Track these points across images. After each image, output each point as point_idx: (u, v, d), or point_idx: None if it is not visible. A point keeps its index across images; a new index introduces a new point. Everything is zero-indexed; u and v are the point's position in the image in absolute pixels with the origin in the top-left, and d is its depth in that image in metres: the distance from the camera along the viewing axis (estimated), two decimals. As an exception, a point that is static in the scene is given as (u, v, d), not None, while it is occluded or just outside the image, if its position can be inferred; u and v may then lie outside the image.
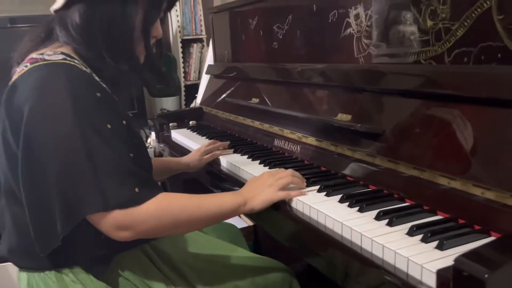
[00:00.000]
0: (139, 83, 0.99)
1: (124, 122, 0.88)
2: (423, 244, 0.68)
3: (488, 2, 0.77)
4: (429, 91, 0.86)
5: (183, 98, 2.77)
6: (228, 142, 1.37)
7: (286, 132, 1.28)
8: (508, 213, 0.67)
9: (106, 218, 0.79)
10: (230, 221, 1.42)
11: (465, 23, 0.82)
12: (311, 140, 1.17)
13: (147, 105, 2.77)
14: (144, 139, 2.69)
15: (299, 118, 1.20)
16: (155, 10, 0.92)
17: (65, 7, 0.87)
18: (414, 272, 0.63)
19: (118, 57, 0.89)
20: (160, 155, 2.15)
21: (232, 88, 1.74)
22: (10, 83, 0.87)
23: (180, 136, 1.70)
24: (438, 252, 0.65)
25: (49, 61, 0.83)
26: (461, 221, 0.74)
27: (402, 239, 0.70)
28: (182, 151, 1.59)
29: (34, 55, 0.87)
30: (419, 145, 0.86)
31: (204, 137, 1.60)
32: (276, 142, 1.32)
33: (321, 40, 1.24)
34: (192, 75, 2.79)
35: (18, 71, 0.86)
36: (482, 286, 0.49)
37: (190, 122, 1.87)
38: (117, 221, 0.80)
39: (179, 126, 1.86)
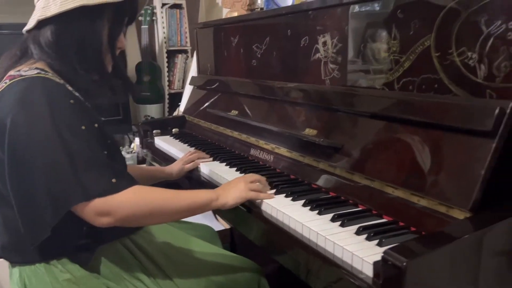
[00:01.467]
0: (108, 90, 1.08)
1: (96, 125, 0.99)
2: (367, 242, 0.81)
3: (428, 41, 0.93)
4: (380, 113, 1.00)
5: (166, 105, 2.88)
6: (208, 156, 1.48)
7: (261, 143, 1.41)
8: (437, 218, 0.82)
9: (88, 206, 0.89)
10: (207, 223, 1.54)
11: (411, 57, 0.97)
12: (282, 151, 1.30)
13: (132, 112, 2.87)
14: (128, 144, 2.79)
15: (273, 131, 1.34)
16: (119, 25, 1.04)
17: (37, 27, 0.98)
18: (357, 264, 0.76)
19: (89, 68, 1.00)
20: (143, 160, 2.26)
21: (214, 99, 1.86)
22: None
23: (163, 143, 1.81)
24: (378, 248, 0.79)
25: (26, 76, 0.94)
26: (401, 224, 0.88)
27: (350, 237, 0.84)
28: (165, 157, 1.71)
29: (12, 72, 0.97)
30: (370, 158, 1.00)
31: (186, 144, 1.71)
32: (252, 152, 1.44)
33: (294, 62, 1.38)
34: (176, 84, 2.91)
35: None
36: (401, 272, 0.63)
37: (173, 130, 1.97)
38: (97, 208, 0.89)
39: (162, 133, 1.96)
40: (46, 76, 0.95)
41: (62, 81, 0.98)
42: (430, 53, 0.92)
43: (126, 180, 0.95)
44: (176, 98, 2.83)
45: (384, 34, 1.03)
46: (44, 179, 0.88)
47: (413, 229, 0.85)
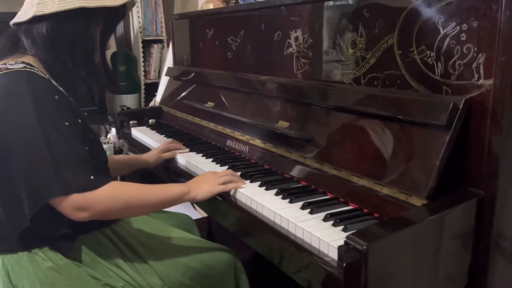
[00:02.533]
0: (94, 86, 1.14)
1: (79, 120, 1.02)
2: (333, 228, 0.88)
3: (391, 40, 0.98)
4: (347, 107, 1.06)
5: (142, 95, 2.89)
6: (185, 148, 1.51)
7: (237, 134, 1.46)
8: (397, 205, 0.89)
9: (66, 201, 0.92)
10: (186, 212, 1.59)
11: (376, 54, 1.03)
12: (257, 142, 1.35)
13: (107, 102, 2.87)
14: (104, 134, 2.79)
15: (247, 122, 1.39)
16: (111, 27, 1.10)
17: (31, 21, 1.00)
18: (324, 248, 0.82)
19: (79, 65, 1.05)
20: (120, 150, 2.27)
21: (190, 90, 1.89)
22: None
23: (139, 134, 1.83)
24: (343, 233, 0.85)
25: (12, 69, 0.97)
26: (365, 211, 0.95)
27: (318, 224, 0.90)
28: (141, 147, 1.73)
29: None
30: (337, 149, 1.06)
31: (163, 135, 1.74)
32: (228, 143, 1.49)
33: (268, 56, 1.42)
34: (152, 74, 2.91)
35: None
36: (361, 254, 0.69)
37: (150, 121, 1.99)
38: (75, 203, 0.93)
39: (139, 124, 1.98)
40: (32, 70, 0.98)
41: (47, 76, 1.01)
42: (393, 51, 0.98)
43: (104, 176, 0.98)
44: (152, 88, 2.84)
45: (351, 31, 1.09)
46: (24, 171, 0.91)
47: (376, 215, 0.92)
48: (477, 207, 0.84)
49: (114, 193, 0.98)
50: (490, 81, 0.80)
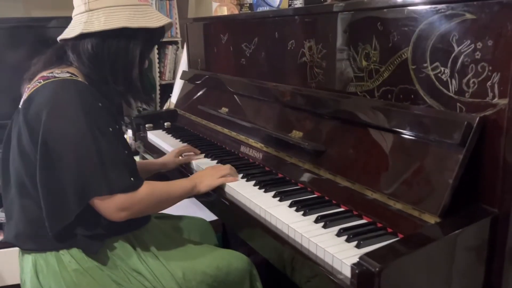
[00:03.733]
0: (130, 100, 1.23)
1: (117, 127, 1.11)
2: (346, 244, 0.89)
3: (405, 54, 0.98)
4: (361, 119, 1.07)
5: (158, 96, 2.92)
6: (199, 152, 1.55)
7: (251, 141, 1.47)
8: (411, 221, 0.89)
9: (110, 200, 1.00)
10: (201, 215, 1.61)
11: (390, 67, 1.03)
12: (270, 150, 1.36)
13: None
14: (121, 135, 2.83)
15: (261, 130, 1.40)
16: (150, 47, 1.19)
17: (77, 38, 1.08)
18: (337, 265, 0.84)
19: (119, 80, 1.13)
20: (136, 152, 2.31)
21: (204, 95, 1.91)
22: (25, 96, 1.08)
23: (155, 137, 1.87)
24: (356, 250, 0.86)
25: (59, 78, 1.05)
26: (379, 225, 0.96)
27: (331, 239, 0.91)
28: (157, 151, 1.77)
29: (44, 73, 1.08)
30: (350, 162, 1.07)
31: (178, 139, 1.77)
32: (242, 149, 1.50)
33: (281, 64, 1.43)
34: (167, 75, 2.94)
35: (32, 86, 1.07)
36: (374, 277, 0.70)
37: (165, 124, 2.02)
38: (119, 203, 1.01)
39: (154, 127, 2.02)
40: (78, 79, 1.06)
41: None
42: (408, 65, 0.98)
43: (139, 178, 1.07)
44: (167, 88, 2.86)
45: (365, 44, 1.09)
46: (74, 170, 0.98)
47: (390, 230, 0.93)
48: (491, 225, 0.84)
49: (151, 192, 1.07)
50: (505, 101, 0.79)
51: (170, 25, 1.20)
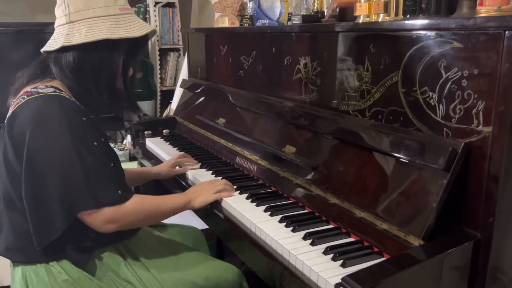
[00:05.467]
0: (116, 110, 1.22)
1: (103, 139, 1.11)
2: (332, 262, 0.91)
3: (396, 77, 1.00)
4: (352, 139, 1.09)
5: (158, 102, 2.95)
6: (196, 162, 1.57)
7: (246, 153, 1.49)
8: (396, 241, 0.91)
9: (97, 214, 1.02)
10: (193, 224, 1.63)
11: (381, 89, 1.05)
12: (265, 163, 1.38)
13: (124, 107, 2.93)
14: (120, 140, 2.86)
15: (256, 144, 1.42)
16: (132, 57, 1.18)
17: (59, 50, 1.08)
18: (321, 284, 0.86)
19: (102, 91, 1.12)
20: (135, 158, 2.33)
21: (203, 104, 1.93)
22: (10, 112, 1.07)
23: (153, 145, 1.88)
24: (341, 269, 0.88)
25: (43, 94, 1.04)
26: (366, 244, 0.98)
27: (318, 257, 0.93)
28: (154, 158, 1.79)
29: (28, 88, 1.07)
30: (340, 180, 1.09)
31: (176, 148, 1.79)
32: (238, 160, 1.52)
33: (277, 78, 1.45)
34: (168, 81, 2.97)
35: (16, 102, 1.06)
36: (355, 298, 0.72)
37: (164, 131, 2.04)
38: (106, 216, 1.02)
39: (153, 134, 2.03)
40: (62, 94, 1.06)
41: (73, 100, 1.09)
42: (398, 88, 1.00)
43: (127, 191, 1.08)
44: (168, 95, 2.89)
45: (358, 65, 1.11)
46: (59, 187, 1.00)
47: (376, 249, 0.94)
48: (474, 249, 0.86)
49: (139, 206, 1.09)
50: (489, 128, 0.81)
51: (153, 33, 1.19)
